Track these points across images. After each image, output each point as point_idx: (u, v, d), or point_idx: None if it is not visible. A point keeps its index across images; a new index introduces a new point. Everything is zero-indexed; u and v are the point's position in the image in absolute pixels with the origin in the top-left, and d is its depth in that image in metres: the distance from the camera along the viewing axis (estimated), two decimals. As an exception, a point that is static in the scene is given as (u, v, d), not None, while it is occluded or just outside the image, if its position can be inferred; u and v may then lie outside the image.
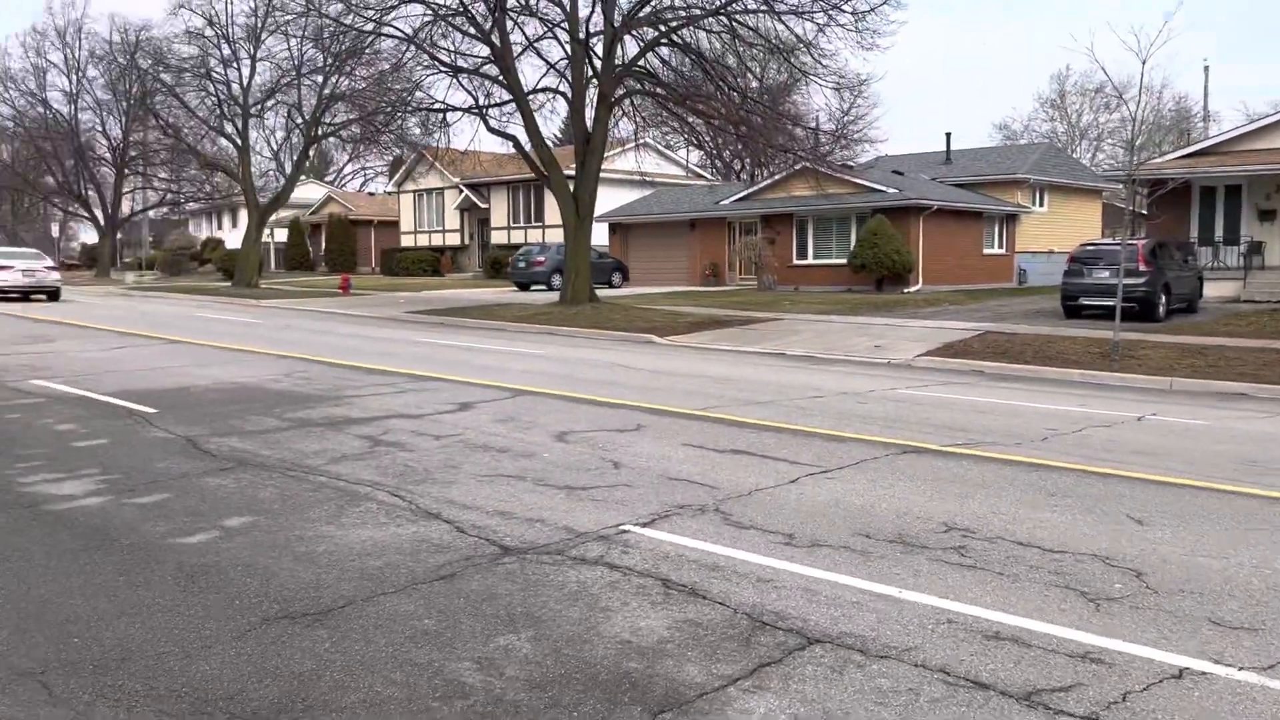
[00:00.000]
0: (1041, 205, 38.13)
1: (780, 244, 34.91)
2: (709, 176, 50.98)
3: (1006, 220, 36.57)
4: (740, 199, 36.87)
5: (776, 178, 34.21)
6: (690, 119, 28.06)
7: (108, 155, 56.44)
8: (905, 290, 31.10)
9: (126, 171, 56.00)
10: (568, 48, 26.33)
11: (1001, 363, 15.61)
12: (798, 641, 4.43)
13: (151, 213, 63.90)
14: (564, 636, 4.45)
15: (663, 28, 25.39)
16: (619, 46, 25.67)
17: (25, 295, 31.05)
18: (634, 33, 25.89)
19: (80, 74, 55.51)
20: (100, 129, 56.10)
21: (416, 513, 6.40)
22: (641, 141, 35.67)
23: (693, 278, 38.03)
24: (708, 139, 37.19)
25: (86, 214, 59.96)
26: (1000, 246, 36.46)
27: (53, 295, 31.68)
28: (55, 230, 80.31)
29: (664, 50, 26.36)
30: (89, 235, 72.49)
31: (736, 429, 9.54)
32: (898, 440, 9.06)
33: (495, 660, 4.20)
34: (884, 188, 32.60)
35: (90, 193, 57.75)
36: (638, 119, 29.12)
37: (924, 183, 35.78)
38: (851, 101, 49.10)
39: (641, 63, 26.13)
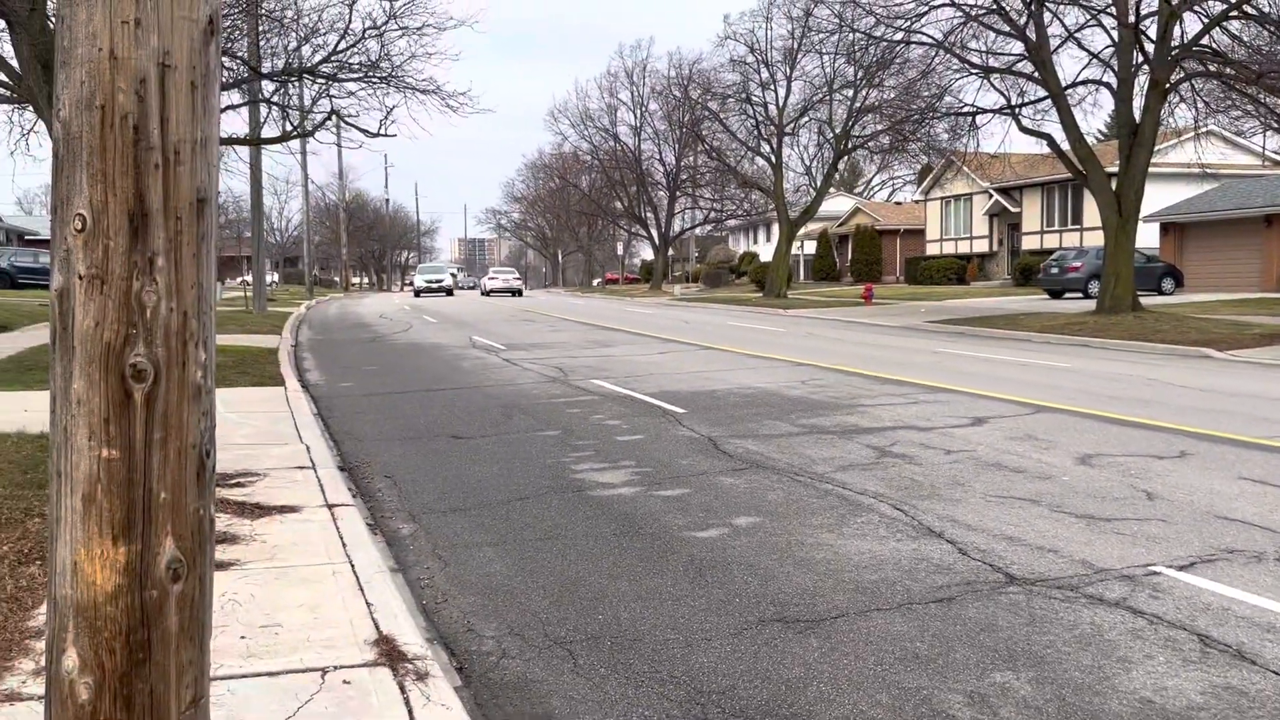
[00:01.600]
0: None
1: (1389, 241, 28.79)
2: (1292, 165, 43.59)
3: None
4: (1333, 189, 31.04)
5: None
6: (1268, 99, 24.22)
7: (662, 180, 63.04)
8: None
9: (677, 193, 62.11)
10: (1114, 34, 24.11)
11: None
12: (1383, 737, 3.55)
13: (697, 230, 70.30)
14: (1070, 683, 4.02)
15: (1232, -1, 22.22)
16: (1176, 26, 22.95)
17: (515, 293, 55.09)
18: (1196, 9, 22.98)
19: (643, 108, 62.80)
20: (657, 156, 62.92)
21: (918, 529, 6.21)
22: (1204, 130, 31.54)
23: (1267, 282, 32.78)
24: (1291, 121, 31.81)
25: (645, 233, 67.54)
26: None
27: (518, 293, 55.70)
28: (620, 249, 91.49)
29: (1234, 24, 23.06)
30: (647, 252, 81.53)
31: (1313, 464, 7.98)
32: None
33: (989, 697, 3.91)
34: None
35: (648, 214, 64.96)
36: (1198, 104, 25.79)
37: None
38: None
39: (1204, 41, 23.10)
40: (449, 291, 56.06)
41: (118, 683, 2.09)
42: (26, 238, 53.27)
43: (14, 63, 16.19)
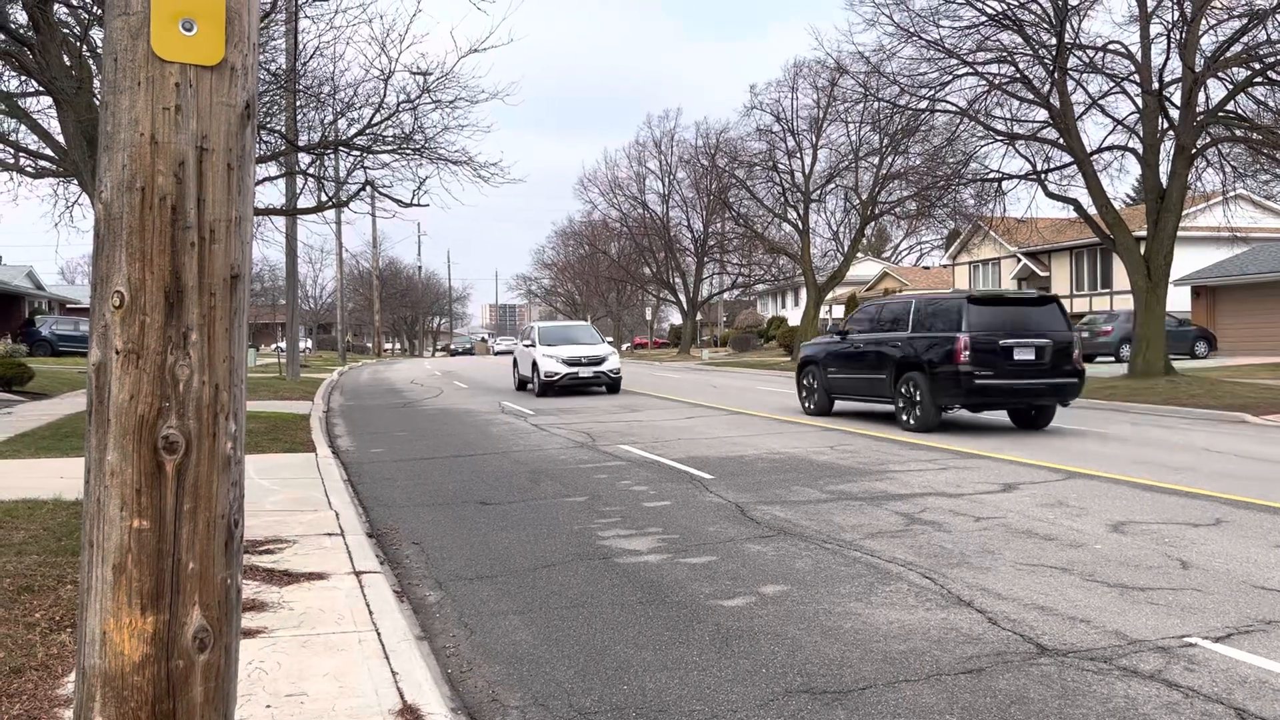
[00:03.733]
0: None
1: None
2: (1324, 227, 43.30)
3: None
4: (1367, 252, 30.78)
5: None
6: (1295, 163, 24.20)
7: (690, 246, 63.57)
8: None
9: (705, 259, 62.57)
10: (1138, 100, 24.28)
11: None
12: None
13: (725, 294, 70.61)
14: (1104, 759, 3.93)
15: (1257, 65, 22.34)
16: (1200, 92, 23.08)
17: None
18: (1220, 75, 23.13)
19: (671, 176, 63.67)
20: (685, 223, 63.58)
21: (947, 598, 6.13)
22: (1233, 194, 31.48)
23: (1302, 346, 32.40)
24: (1321, 184, 31.69)
25: (673, 298, 67.93)
26: None
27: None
28: (649, 314, 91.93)
29: (1259, 90, 23.16)
30: (675, 317, 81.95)
31: (1353, 532, 7.82)
32: None
33: (1020, 773, 3.83)
34: None
35: (676, 279, 65.41)
36: (1225, 169, 25.80)
37: None
38: None
39: (1230, 106, 23.20)
40: (612, 384, 26.19)
41: (142, 752, 2.11)
42: (68, 306, 54.40)
43: (60, 138, 16.71)
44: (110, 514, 2.11)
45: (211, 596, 2.18)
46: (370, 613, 5.70)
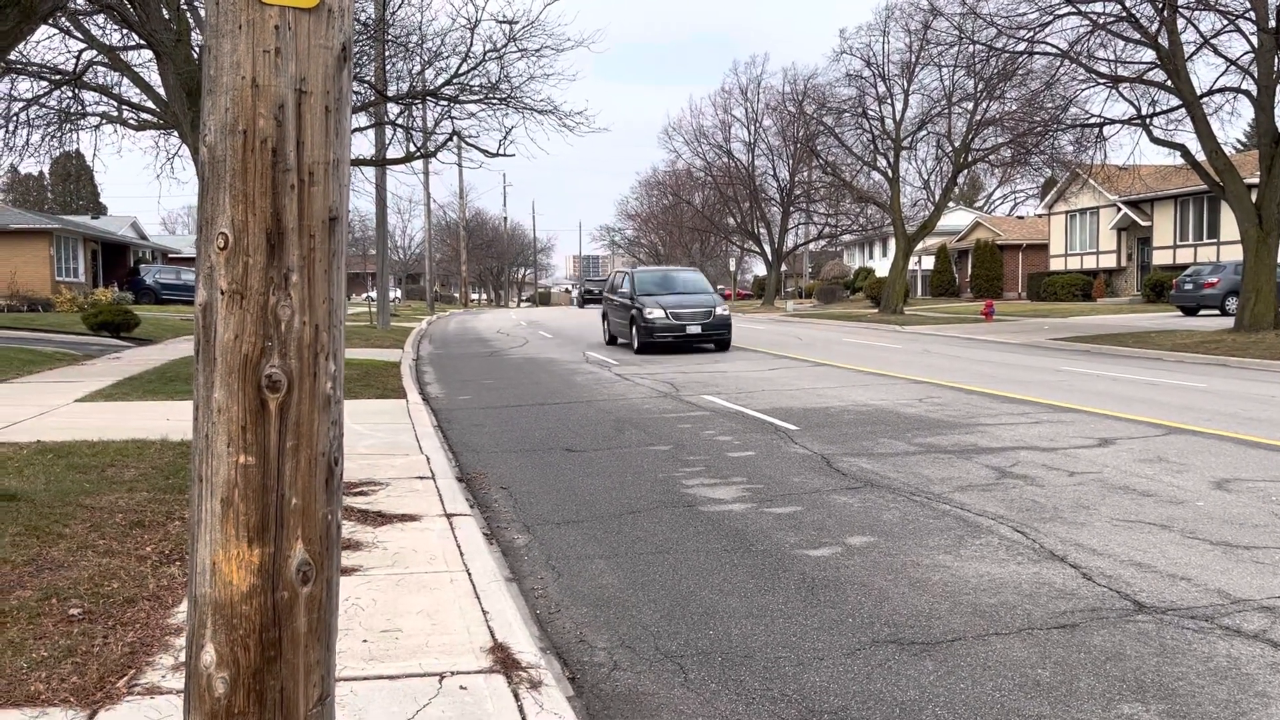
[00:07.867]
0: None
1: None
2: None
3: None
4: None
5: None
6: None
7: (776, 195, 62.72)
8: None
9: (791, 209, 61.71)
10: (1253, 39, 22.98)
11: None
12: None
13: (811, 245, 69.70)
14: (1204, 717, 3.83)
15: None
16: (1322, 28, 21.74)
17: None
18: (1344, 9, 21.74)
19: (757, 124, 62.67)
20: (771, 172, 62.66)
21: (1039, 552, 6.01)
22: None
23: None
24: None
25: (758, 249, 67.26)
26: None
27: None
28: (733, 265, 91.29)
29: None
30: (759, 268, 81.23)
31: None
32: None
33: (1115, 729, 3.76)
34: None
35: (761, 230, 64.69)
36: (1349, 111, 24.35)
37: None
38: None
39: (1354, 43, 21.83)
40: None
41: (251, 678, 2.19)
42: (170, 256, 56.28)
43: (161, 91, 17.16)
44: (218, 449, 2.18)
45: (313, 531, 2.24)
46: (461, 554, 5.83)
